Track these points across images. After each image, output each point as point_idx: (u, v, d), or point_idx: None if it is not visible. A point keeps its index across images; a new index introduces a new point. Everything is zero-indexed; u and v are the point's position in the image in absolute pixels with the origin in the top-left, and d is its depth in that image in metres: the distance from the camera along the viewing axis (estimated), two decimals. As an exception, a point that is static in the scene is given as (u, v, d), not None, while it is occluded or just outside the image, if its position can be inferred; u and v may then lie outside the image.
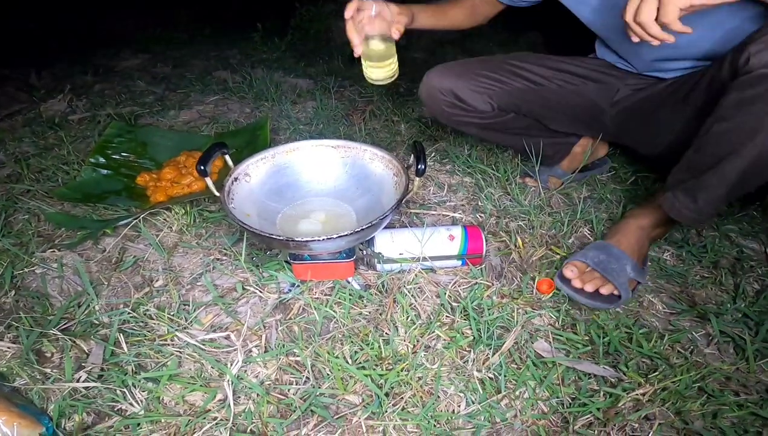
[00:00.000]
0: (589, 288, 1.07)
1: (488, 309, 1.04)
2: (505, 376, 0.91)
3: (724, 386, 0.93)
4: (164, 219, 1.29)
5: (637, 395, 0.88)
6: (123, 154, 1.52)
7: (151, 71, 2.55)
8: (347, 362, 0.93)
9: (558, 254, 1.22)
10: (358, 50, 1.14)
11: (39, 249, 1.23)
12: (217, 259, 1.18)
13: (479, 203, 1.41)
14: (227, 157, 1.10)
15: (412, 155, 1.07)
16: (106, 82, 2.34)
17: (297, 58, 2.77)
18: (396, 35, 1.14)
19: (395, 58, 1.13)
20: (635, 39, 0.97)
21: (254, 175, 1.12)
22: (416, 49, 2.88)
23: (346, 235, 0.93)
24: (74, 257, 1.21)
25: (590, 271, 1.10)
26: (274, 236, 0.93)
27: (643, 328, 1.04)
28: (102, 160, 1.49)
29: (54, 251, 1.23)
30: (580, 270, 1.09)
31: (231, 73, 2.45)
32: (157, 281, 1.14)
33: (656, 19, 0.92)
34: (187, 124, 1.86)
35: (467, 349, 0.97)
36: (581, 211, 1.35)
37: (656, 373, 0.93)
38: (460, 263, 1.14)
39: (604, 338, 1.00)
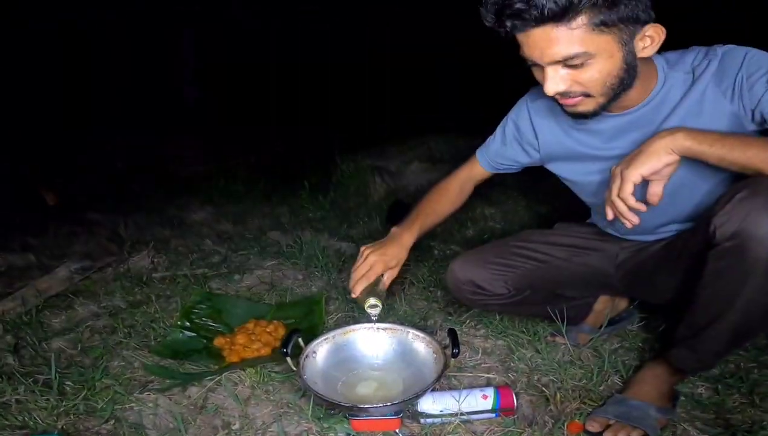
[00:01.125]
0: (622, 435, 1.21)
1: None
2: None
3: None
4: (239, 376, 1.58)
5: None
6: (203, 319, 1.86)
7: (216, 228, 2.96)
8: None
9: (592, 404, 1.38)
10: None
11: (136, 391, 1.51)
12: (285, 411, 1.44)
13: (512, 364, 1.62)
14: (300, 339, 1.45)
15: (449, 338, 1.38)
16: (180, 238, 2.74)
17: (340, 219, 3.14)
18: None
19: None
20: (610, 215, 1.16)
21: (319, 353, 1.47)
22: None
23: (397, 403, 1.25)
24: (165, 400, 1.48)
25: (614, 423, 1.24)
26: (342, 403, 1.26)
27: None
28: (187, 323, 1.82)
29: (149, 394, 1.50)
30: (602, 424, 1.25)
31: (282, 233, 2.84)
32: (234, 425, 1.40)
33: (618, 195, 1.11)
34: (249, 290, 2.18)
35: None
36: (609, 361, 1.52)
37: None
38: (494, 415, 1.37)
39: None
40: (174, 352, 1.70)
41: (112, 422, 1.40)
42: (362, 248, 1.54)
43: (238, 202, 3.51)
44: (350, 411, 1.32)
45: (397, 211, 3.00)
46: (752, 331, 1.19)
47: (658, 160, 1.08)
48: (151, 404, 1.46)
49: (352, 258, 2.41)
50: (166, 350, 1.70)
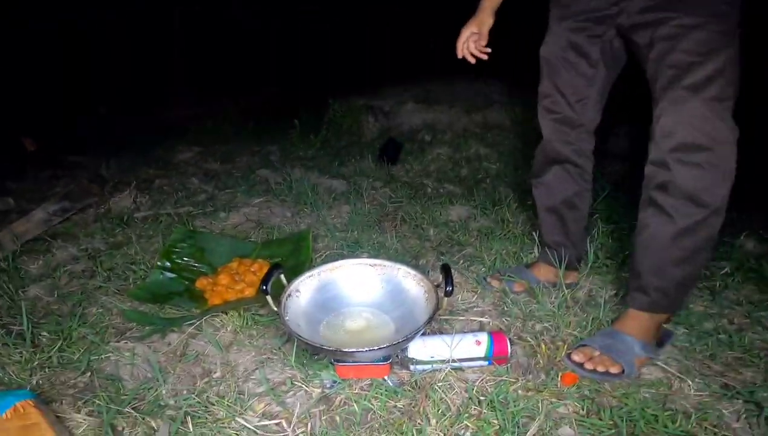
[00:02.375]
0: (600, 369, 1.25)
1: (513, 401, 1.17)
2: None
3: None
4: (221, 320, 1.50)
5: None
6: (185, 258, 1.76)
7: (203, 166, 2.85)
8: (385, 449, 1.10)
9: None
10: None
11: (113, 339, 1.44)
12: (268, 357, 1.37)
13: (506, 308, 1.56)
14: (282, 276, 1.34)
15: (441, 275, 1.28)
16: (165, 178, 2.63)
17: (331, 157, 3.05)
18: None
19: None
20: None
21: (303, 291, 1.35)
22: (440, 144, 3.12)
23: (386, 347, 1.15)
24: (144, 348, 1.41)
25: (599, 354, 1.28)
26: (325, 347, 1.15)
27: (668, 411, 1.15)
28: (168, 263, 1.72)
29: (126, 342, 1.43)
30: (587, 355, 1.28)
31: (272, 171, 2.73)
32: (215, 373, 1.33)
33: None
34: (235, 228, 2.10)
35: (494, 436, 1.12)
36: (604, 309, 1.49)
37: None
38: (486, 363, 1.30)
39: (629, 421, 1.12)
40: (153, 295, 1.61)
41: (88, 374, 1.32)
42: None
43: (227, 143, 3.38)
44: (335, 356, 1.22)
45: (390, 148, 2.96)
46: (681, 263, 1.26)
47: None
48: (128, 353, 1.39)
49: (344, 196, 2.35)
50: (145, 293, 1.61)
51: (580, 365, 1.27)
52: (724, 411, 1.16)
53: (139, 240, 1.97)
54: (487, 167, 2.79)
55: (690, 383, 1.25)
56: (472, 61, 1.57)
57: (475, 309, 1.58)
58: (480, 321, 1.52)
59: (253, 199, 2.34)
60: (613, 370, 1.25)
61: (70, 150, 3.12)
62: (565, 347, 1.37)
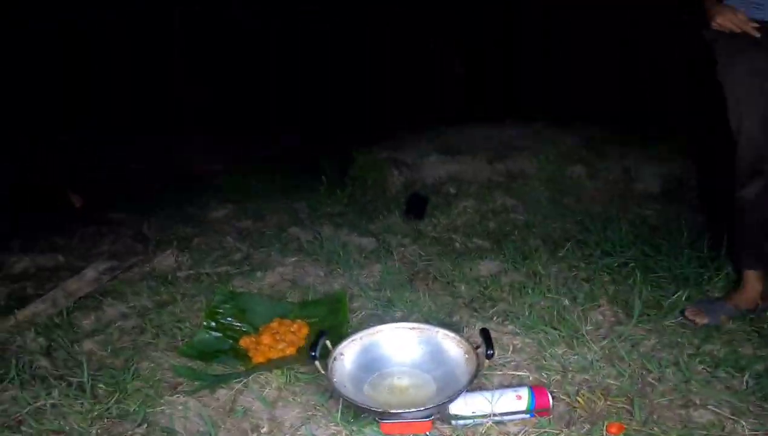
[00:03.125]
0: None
1: None
2: None
3: None
4: (265, 378, 1.60)
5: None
6: (228, 318, 1.88)
7: (236, 225, 2.99)
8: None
9: (621, 403, 1.40)
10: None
11: (166, 394, 1.54)
12: (313, 414, 1.45)
13: (543, 362, 1.60)
14: (327, 342, 1.47)
15: (481, 338, 1.38)
16: (201, 236, 2.76)
17: (358, 213, 3.13)
18: None
19: None
20: None
21: (347, 354, 1.48)
22: (466, 196, 3.15)
23: (431, 408, 1.27)
24: (195, 403, 1.50)
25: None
26: (372, 408, 1.27)
27: None
28: (213, 323, 1.85)
29: (179, 396, 1.53)
30: (694, 314, 1.65)
31: (302, 229, 2.84)
32: (263, 428, 1.42)
33: None
34: (272, 288, 2.20)
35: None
36: (644, 358, 1.54)
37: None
38: (528, 415, 1.37)
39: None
40: (201, 353, 1.73)
41: (145, 425, 1.42)
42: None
43: (256, 199, 3.52)
44: (381, 416, 1.32)
45: (415, 203, 3.04)
46: None
47: None
48: (181, 407, 1.48)
49: (373, 254, 2.45)
50: (193, 350, 1.74)
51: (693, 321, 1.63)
52: None
53: (184, 299, 2.09)
54: (514, 219, 2.80)
55: (744, 423, 1.29)
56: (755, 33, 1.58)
57: (512, 363, 1.63)
58: (518, 375, 1.57)
59: (286, 259, 2.44)
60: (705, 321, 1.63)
61: (111, 207, 3.29)
62: (605, 399, 1.41)
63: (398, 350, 1.53)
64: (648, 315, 1.80)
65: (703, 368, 1.53)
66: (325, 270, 2.34)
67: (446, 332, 1.50)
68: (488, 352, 1.34)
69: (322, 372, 1.38)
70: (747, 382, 1.44)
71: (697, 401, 1.40)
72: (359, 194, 3.57)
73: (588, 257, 2.23)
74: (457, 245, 2.53)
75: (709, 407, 1.36)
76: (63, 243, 2.73)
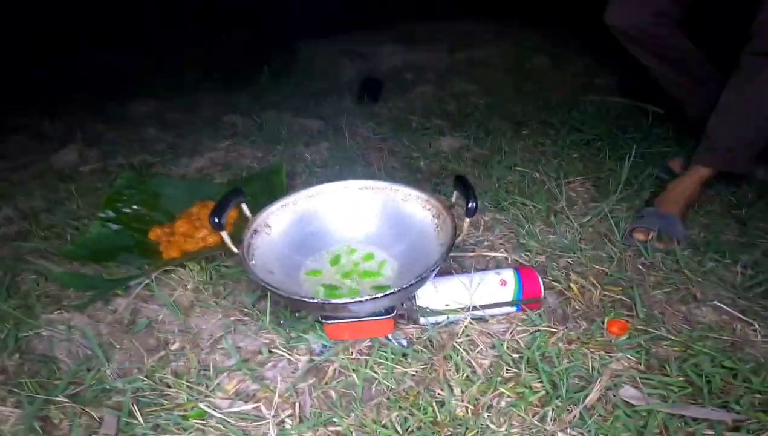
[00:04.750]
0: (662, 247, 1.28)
1: (557, 358, 0.95)
2: (594, 433, 0.82)
3: None
4: (179, 277, 1.23)
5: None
6: (134, 206, 1.47)
7: (162, 118, 2.53)
8: (397, 431, 0.84)
9: (615, 292, 1.15)
10: None
11: (46, 311, 1.17)
12: (239, 319, 1.11)
13: (520, 241, 1.33)
14: (244, 206, 1.03)
15: (455, 192, 1.00)
16: (117, 130, 2.31)
17: (306, 99, 2.74)
18: None
19: None
20: None
21: (275, 226, 1.05)
22: (424, 82, 2.85)
23: (390, 294, 0.84)
24: (83, 319, 1.14)
25: (659, 233, 1.29)
26: (306, 299, 0.85)
27: (748, 363, 0.94)
28: (112, 214, 1.43)
29: (62, 313, 1.16)
30: (645, 235, 1.29)
31: (241, 116, 2.42)
32: (173, 344, 1.07)
33: None
34: (199, 172, 1.81)
35: (539, 405, 0.88)
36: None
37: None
38: (514, 309, 1.05)
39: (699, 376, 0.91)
40: (94, 252, 1.32)
41: (16, 355, 1.06)
42: None
43: (190, 94, 3.03)
44: (323, 311, 0.93)
45: (370, 86, 2.74)
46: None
47: None
48: (63, 326, 1.12)
49: (322, 134, 2.06)
50: (83, 250, 1.33)
51: (644, 243, 1.28)
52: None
53: (84, 194, 1.67)
54: (475, 102, 2.53)
55: (757, 326, 1.04)
56: None
57: (485, 243, 1.33)
58: (494, 257, 1.26)
59: (219, 143, 2.04)
60: (672, 246, 1.27)
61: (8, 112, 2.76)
62: (600, 288, 1.14)
63: (345, 220, 1.11)
64: (622, 192, 1.53)
65: (688, 254, 1.28)
66: (264, 151, 1.97)
67: (409, 190, 1.08)
68: (469, 205, 0.92)
69: (234, 251, 0.96)
70: (740, 273, 1.21)
71: (698, 295, 1.15)
72: (307, 82, 3.17)
73: (554, 135, 2.00)
74: (414, 124, 2.19)
75: (710, 303, 1.12)
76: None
